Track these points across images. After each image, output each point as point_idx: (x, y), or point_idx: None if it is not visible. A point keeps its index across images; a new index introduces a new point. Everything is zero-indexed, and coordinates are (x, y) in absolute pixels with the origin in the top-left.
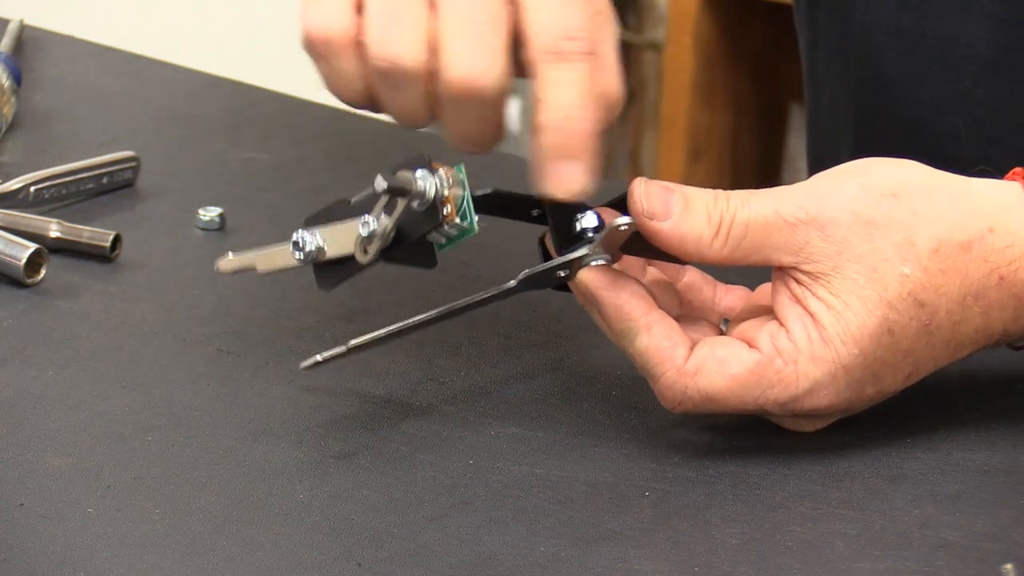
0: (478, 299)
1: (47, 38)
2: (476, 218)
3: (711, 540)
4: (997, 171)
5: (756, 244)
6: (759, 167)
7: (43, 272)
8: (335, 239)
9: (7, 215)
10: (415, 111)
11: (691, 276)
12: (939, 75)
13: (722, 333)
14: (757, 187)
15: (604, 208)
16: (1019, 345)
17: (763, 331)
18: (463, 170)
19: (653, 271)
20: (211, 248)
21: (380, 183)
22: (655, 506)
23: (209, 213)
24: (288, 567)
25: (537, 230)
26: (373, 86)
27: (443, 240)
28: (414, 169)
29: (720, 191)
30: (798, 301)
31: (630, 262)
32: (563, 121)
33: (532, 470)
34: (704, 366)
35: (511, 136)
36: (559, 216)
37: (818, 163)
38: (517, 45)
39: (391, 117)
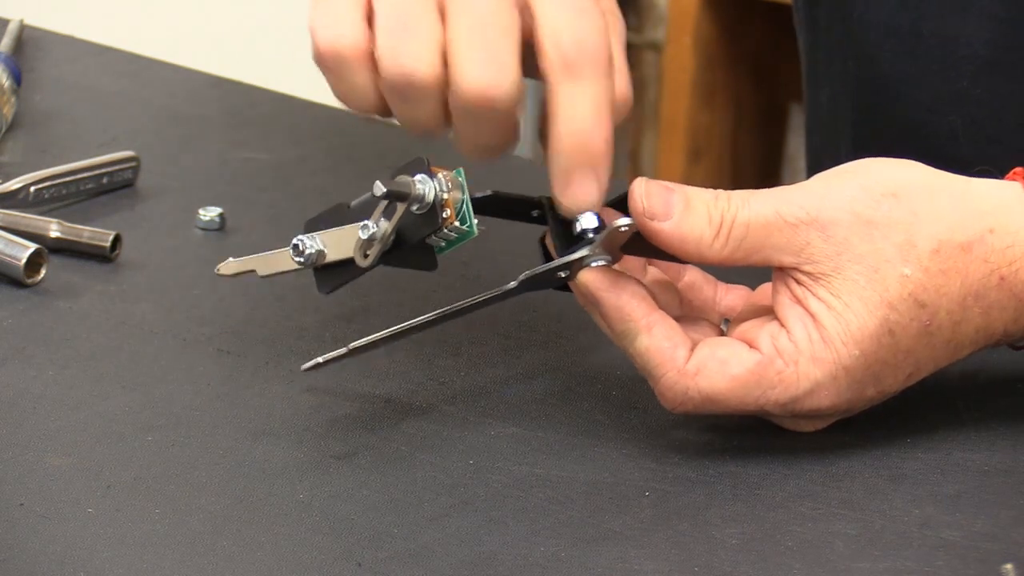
0: (478, 300)
1: (47, 38)
2: (475, 221)
3: (711, 540)
4: (997, 171)
5: (757, 244)
6: (759, 167)
7: (43, 272)
8: (335, 243)
9: (7, 215)
10: (427, 121)
11: (692, 276)
12: (938, 75)
13: (722, 333)
14: (757, 187)
15: (604, 208)
16: (1019, 345)
17: (764, 332)
18: (462, 173)
19: (653, 271)
20: (211, 248)
21: (379, 187)
22: (655, 506)
23: (209, 213)
24: (288, 567)
25: (537, 231)
26: (385, 97)
27: (443, 243)
28: (413, 173)
29: (721, 191)
30: (799, 302)
31: (630, 262)
32: (578, 136)
33: (532, 470)
34: (705, 367)
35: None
36: (559, 217)
37: (818, 163)
38: (530, 51)
39: (403, 126)
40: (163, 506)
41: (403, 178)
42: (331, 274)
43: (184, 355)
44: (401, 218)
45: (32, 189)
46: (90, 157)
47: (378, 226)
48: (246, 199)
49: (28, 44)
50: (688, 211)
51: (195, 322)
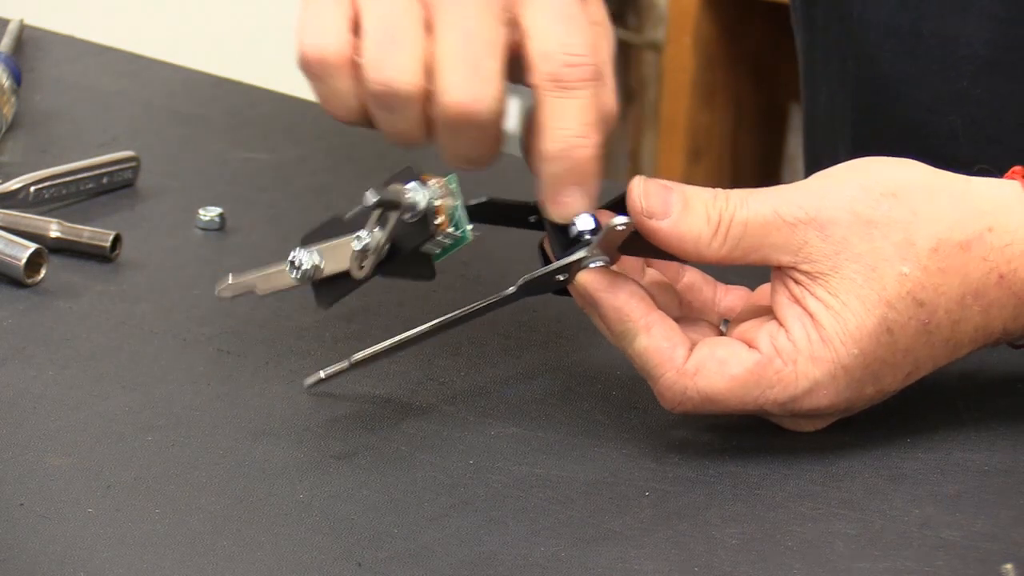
0: (478, 307)
1: (47, 38)
2: (469, 227)
3: (711, 540)
4: (996, 170)
5: (755, 243)
6: (759, 167)
7: (43, 272)
8: (331, 256)
9: (7, 215)
10: (409, 132)
11: (691, 276)
12: (938, 75)
13: (722, 334)
14: (757, 187)
15: (602, 211)
16: (1019, 344)
17: (762, 331)
18: (455, 180)
19: (652, 272)
20: (211, 248)
21: (370, 197)
22: (655, 506)
23: (209, 213)
24: (288, 567)
25: (536, 234)
26: (368, 106)
27: (437, 250)
28: (404, 182)
29: (719, 190)
30: (797, 301)
31: (629, 263)
32: (566, 150)
33: (532, 470)
34: (704, 366)
35: (509, 136)
36: (556, 221)
37: (816, 163)
38: (519, 63)
39: (384, 136)
40: (163, 506)
41: (394, 187)
42: (329, 288)
43: (184, 355)
44: (394, 227)
45: (32, 189)
46: (90, 157)
47: (372, 236)
48: (246, 199)
49: (28, 44)
50: (686, 210)
51: (195, 322)
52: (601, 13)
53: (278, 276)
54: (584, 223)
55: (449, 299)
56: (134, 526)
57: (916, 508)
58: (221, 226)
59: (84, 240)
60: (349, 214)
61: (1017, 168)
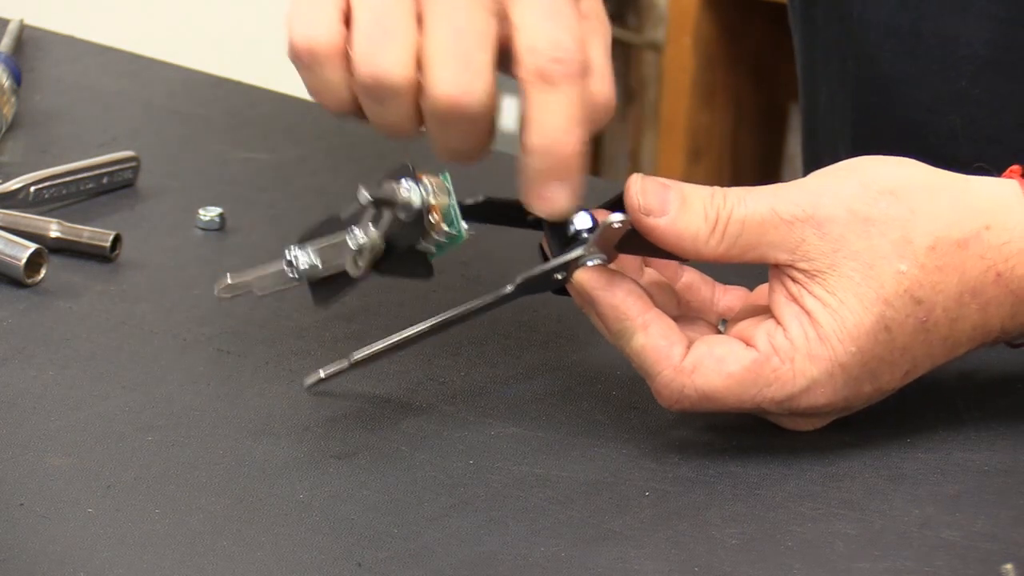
0: (476, 306)
1: (47, 38)
2: (464, 225)
3: (711, 540)
4: (995, 169)
5: (752, 241)
6: (759, 167)
7: (43, 272)
8: (327, 255)
9: (7, 215)
10: (399, 124)
11: (689, 276)
12: (938, 75)
13: (720, 333)
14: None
15: (600, 210)
16: (1017, 343)
17: (760, 329)
18: (448, 178)
19: (651, 272)
20: (211, 248)
21: (363, 195)
22: (655, 506)
23: (209, 213)
24: (288, 567)
25: (537, 235)
26: (359, 98)
27: (433, 249)
28: (398, 179)
29: (717, 188)
30: (794, 299)
31: (627, 263)
32: (549, 145)
33: (532, 470)
34: (701, 364)
35: (505, 134)
36: (553, 220)
37: (815, 162)
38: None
39: (375, 128)
40: (163, 506)
41: (387, 184)
42: (326, 287)
43: (184, 355)
44: (389, 225)
45: (32, 189)
46: (90, 157)
47: (367, 234)
48: (246, 199)
49: (28, 44)
50: (684, 207)
51: (195, 322)
52: (595, 6)
53: (275, 275)
54: (582, 222)
55: (449, 299)
56: (134, 526)
57: (916, 508)
58: (221, 226)
59: (84, 240)
60: (346, 213)
61: (1015, 167)
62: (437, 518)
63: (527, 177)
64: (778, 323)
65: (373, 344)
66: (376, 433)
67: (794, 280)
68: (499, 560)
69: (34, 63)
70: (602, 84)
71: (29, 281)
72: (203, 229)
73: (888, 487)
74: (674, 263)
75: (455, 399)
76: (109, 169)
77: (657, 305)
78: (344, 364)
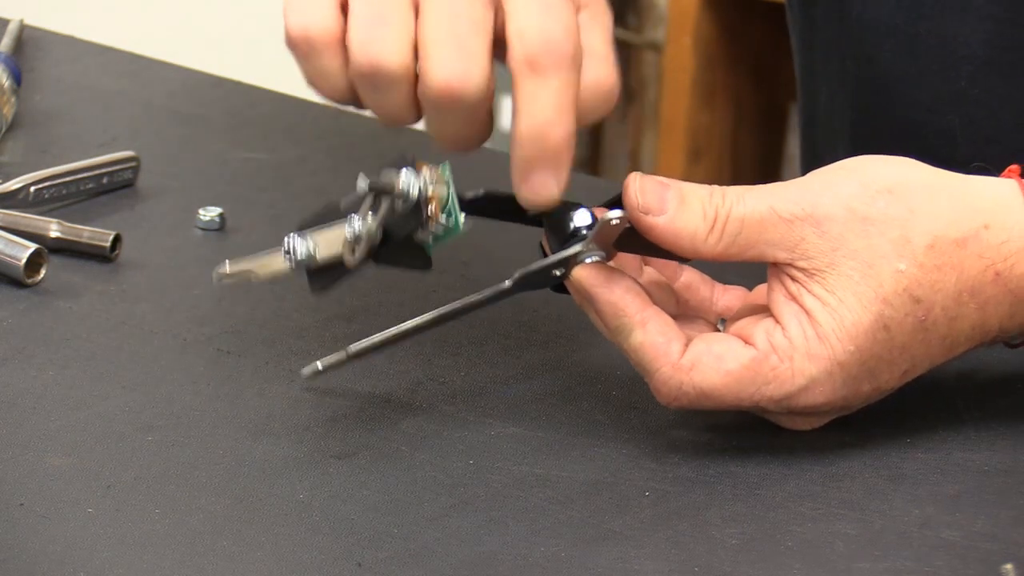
0: (474, 301)
1: (47, 38)
2: (462, 217)
3: (711, 540)
4: (994, 168)
5: (751, 240)
6: (759, 167)
7: (43, 272)
8: (325, 243)
9: (7, 215)
10: (397, 111)
11: (688, 276)
12: (937, 75)
13: (719, 332)
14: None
15: (600, 208)
16: (1016, 343)
17: (759, 328)
18: (448, 169)
19: (650, 271)
20: (211, 248)
21: (362, 183)
22: (655, 506)
23: (209, 213)
24: (288, 567)
25: (538, 232)
26: (355, 85)
27: (430, 240)
28: (398, 169)
29: (715, 187)
30: (793, 298)
31: (627, 262)
32: (537, 133)
33: (532, 470)
34: (699, 361)
35: (501, 132)
36: (553, 216)
37: (814, 162)
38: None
39: (374, 116)
40: (163, 506)
41: (386, 173)
42: (323, 274)
43: (184, 355)
44: (387, 214)
45: (32, 189)
46: (90, 157)
47: (364, 223)
48: (246, 199)
49: (28, 44)
50: (683, 206)
51: (195, 322)
52: None
53: (273, 262)
54: (581, 218)
55: (449, 299)
56: (134, 526)
57: (916, 508)
58: (221, 226)
59: (84, 240)
60: (345, 201)
61: (1014, 167)
62: (437, 518)
63: (515, 165)
64: (777, 322)
65: (371, 337)
66: (376, 433)
67: (793, 279)
68: (499, 560)
69: (34, 63)
70: (603, 69)
71: (29, 281)
72: (203, 229)
73: (888, 487)
74: (673, 262)
75: (455, 399)
76: (109, 169)
77: (656, 304)
78: (342, 356)
